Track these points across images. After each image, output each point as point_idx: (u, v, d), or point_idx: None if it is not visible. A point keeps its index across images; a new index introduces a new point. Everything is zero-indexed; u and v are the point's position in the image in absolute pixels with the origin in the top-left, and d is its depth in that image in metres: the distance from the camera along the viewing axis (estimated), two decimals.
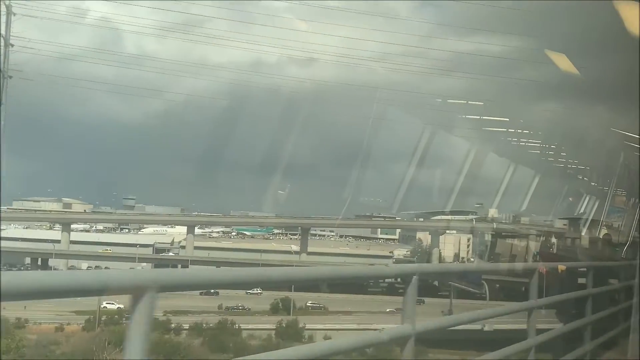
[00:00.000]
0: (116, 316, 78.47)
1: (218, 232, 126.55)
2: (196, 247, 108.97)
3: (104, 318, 79.04)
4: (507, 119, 47.82)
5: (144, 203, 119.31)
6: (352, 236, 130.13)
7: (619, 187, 44.59)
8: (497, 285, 73.88)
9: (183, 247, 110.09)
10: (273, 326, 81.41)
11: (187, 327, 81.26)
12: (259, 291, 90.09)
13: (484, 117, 48.17)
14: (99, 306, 77.33)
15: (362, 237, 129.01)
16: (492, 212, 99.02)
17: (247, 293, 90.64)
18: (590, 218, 51.83)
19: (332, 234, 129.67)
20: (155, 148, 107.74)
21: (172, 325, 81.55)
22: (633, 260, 22.95)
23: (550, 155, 51.23)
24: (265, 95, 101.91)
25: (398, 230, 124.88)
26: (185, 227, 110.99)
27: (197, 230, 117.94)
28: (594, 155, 45.29)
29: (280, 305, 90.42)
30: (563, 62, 26.43)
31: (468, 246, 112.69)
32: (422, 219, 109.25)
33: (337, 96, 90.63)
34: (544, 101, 55.18)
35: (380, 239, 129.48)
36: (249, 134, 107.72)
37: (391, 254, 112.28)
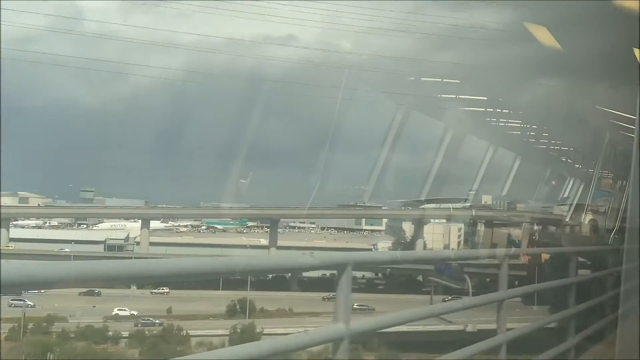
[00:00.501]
0: (44, 324, 68.66)
1: (186, 226, 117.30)
2: (154, 243, 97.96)
3: (30, 326, 70.46)
4: (486, 98, 46.66)
5: (104, 195, 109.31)
6: (335, 228, 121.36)
7: (605, 169, 43.63)
8: (488, 280, 66.49)
9: (138, 244, 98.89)
10: (227, 331, 73.46)
11: (127, 335, 72.99)
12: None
13: (460, 96, 47.40)
14: (24, 314, 70.32)
15: (345, 229, 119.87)
16: (486, 199, 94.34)
17: None
18: (575, 203, 51.26)
19: (313, 225, 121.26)
20: (119, 135, 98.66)
21: (110, 332, 71.06)
22: (620, 246, 19.38)
23: (532, 137, 50.76)
24: (239, 77, 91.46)
25: (385, 221, 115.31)
26: (149, 222, 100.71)
27: (161, 225, 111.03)
28: (578, 135, 44.64)
29: (237, 307, 79.52)
30: (544, 36, 24.88)
31: (459, 236, 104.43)
32: (409, 208, 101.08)
33: (318, 77, 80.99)
34: (529, 79, 50.18)
35: (365, 230, 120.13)
36: (222, 119, 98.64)
37: (373, 247, 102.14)
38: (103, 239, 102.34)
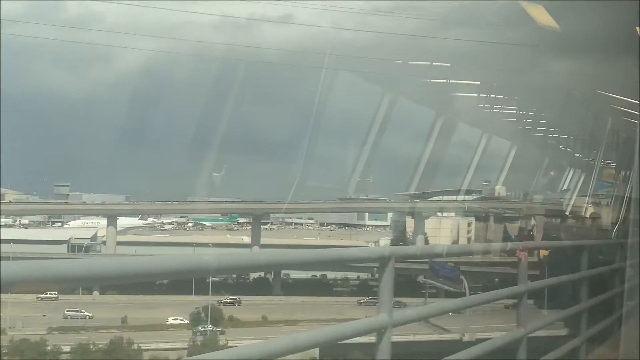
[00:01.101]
0: None
1: (172, 223, 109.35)
2: (123, 242, 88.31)
3: None
4: (479, 82, 45.69)
5: (82, 190, 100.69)
6: (335, 223, 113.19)
7: (607, 157, 42.18)
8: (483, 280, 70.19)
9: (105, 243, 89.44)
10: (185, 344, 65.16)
11: (69, 350, 63.80)
12: None
13: (451, 81, 46.40)
14: None
15: (347, 225, 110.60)
16: (500, 190, 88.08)
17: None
18: (575, 194, 49.43)
19: (311, 221, 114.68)
20: (102, 125, 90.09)
21: (48, 347, 61.88)
22: (623, 240, 17.99)
23: (528, 124, 49.33)
24: (234, 61, 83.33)
25: (390, 215, 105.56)
26: (115, 219, 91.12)
27: (139, 222, 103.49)
28: (579, 122, 42.99)
29: (202, 314, 70.01)
30: (541, 15, 23.71)
31: (469, 232, 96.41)
32: (416, 201, 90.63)
33: (318, 60, 73.57)
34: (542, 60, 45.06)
35: (368, 226, 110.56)
36: (215, 108, 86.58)
37: (374, 244, 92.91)
38: (67, 239, 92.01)
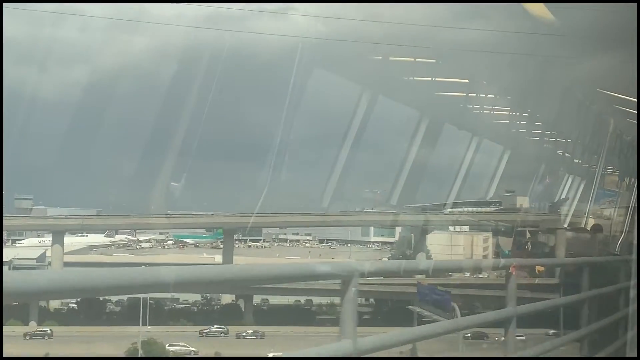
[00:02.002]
0: None
1: (149, 241, 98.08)
2: (76, 263, 75.57)
3: None
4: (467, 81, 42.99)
5: (48, 204, 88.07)
6: (337, 240, 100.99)
7: (610, 164, 42.31)
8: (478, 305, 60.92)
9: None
10: None
11: None
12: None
13: (436, 79, 44.03)
14: None
15: (349, 241, 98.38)
16: (523, 202, 79.36)
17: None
18: (575, 204, 50.08)
19: (308, 237, 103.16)
20: (76, 130, 78.93)
21: None
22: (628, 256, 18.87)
23: (522, 126, 48.63)
24: (226, 58, 74.06)
25: (398, 230, 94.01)
26: (62, 236, 79.44)
27: (104, 239, 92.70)
28: (578, 124, 42.22)
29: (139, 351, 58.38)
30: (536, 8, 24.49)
31: (485, 248, 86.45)
32: (428, 213, 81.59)
33: (319, 56, 63.94)
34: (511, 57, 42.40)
35: (373, 242, 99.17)
36: (202, 110, 78.67)
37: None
38: (8, 259, 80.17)
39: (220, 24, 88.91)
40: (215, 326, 69.01)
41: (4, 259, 79.73)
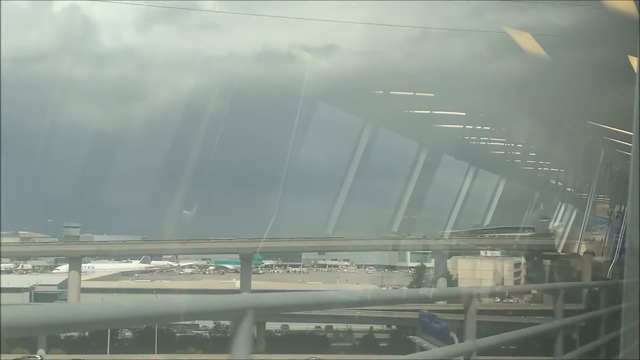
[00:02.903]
0: None
1: (192, 267, 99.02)
2: (89, 290, 75.79)
3: None
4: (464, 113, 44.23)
5: (99, 232, 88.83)
6: (374, 265, 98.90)
7: (600, 192, 43.36)
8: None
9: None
10: None
11: None
12: None
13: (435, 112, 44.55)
14: None
15: (387, 267, 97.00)
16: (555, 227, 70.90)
17: None
18: (567, 231, 49.98)
19: (346, 263, 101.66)
20: (134, 163, 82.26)
21: None
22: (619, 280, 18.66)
23: (517, 157, 49.11)
24: (274, 93, 75.75)
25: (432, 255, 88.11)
26: (79, 262, 79.32)
27: (139, 266, 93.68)
28: (571, 153, 43.52)
29: None
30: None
31: (517, 274, 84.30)
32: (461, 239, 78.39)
33: (364, 89, 63.11)
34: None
35: (410, 268, 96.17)
36: (253, 141, 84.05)
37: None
38: (28, 286, 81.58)
39: (268, 61, 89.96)
40: None
41: (27, 285, 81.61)
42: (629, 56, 18.03)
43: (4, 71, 73.53)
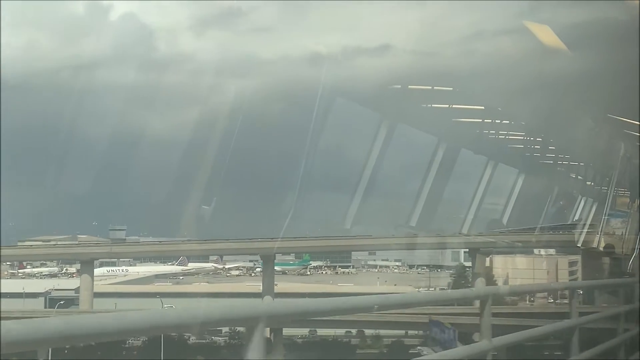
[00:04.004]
0: None
1: (240, 269, 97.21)
2: (103, 294, 74.36)
3: None
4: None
5: (147, 234, 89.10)
6: (427, 265, 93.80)
7: (620, 185, 39.59)
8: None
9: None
10: None
11: None
12: None
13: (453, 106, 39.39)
14: None
15: (439, 267, 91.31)
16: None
17: None
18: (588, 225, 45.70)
19: (397, 263, 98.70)
20: (189, 167, 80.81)
21: None
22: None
23: (536, 150, 43.98)
24: (329, 95, 72.35)
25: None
26: (92, 265, 75.19)
27: (174, 268, 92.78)
28: (589, 147, 39.37)
29: None
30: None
31: (572, 272, 78.90)
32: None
33: (420, 90, 60.18)
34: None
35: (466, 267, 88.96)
36: (308, 143, 77.90)
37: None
38: (42, 291, 79.79)
39: (321, 63, 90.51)
40: None
41: (42, 290, 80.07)
42: None
43: (63, 79, 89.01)
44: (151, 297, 75.29)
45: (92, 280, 73.47)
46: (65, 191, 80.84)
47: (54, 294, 78.71)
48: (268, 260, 73.87)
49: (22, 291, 74.66)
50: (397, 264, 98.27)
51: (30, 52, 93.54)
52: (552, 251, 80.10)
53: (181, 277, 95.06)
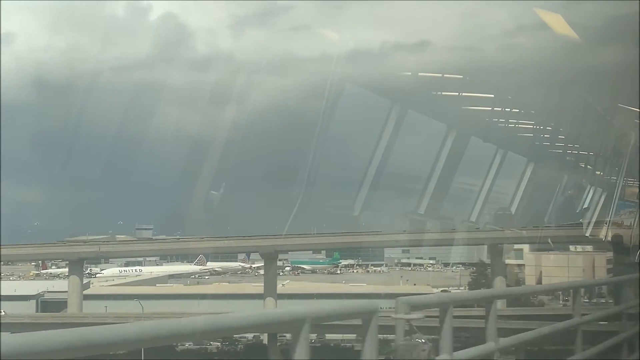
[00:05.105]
0: None
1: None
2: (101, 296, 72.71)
3: None
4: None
5: (180, 233, 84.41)
6: (462, 263, 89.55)
7: (630, 175, 35.45)
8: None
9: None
10: None
11: None
12: None
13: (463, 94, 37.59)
14: None
15: (475, 264, 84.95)
16: None
17: None
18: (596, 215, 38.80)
19: (431, 261, 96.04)
20: (227, 166, 79.95)
21: None
22: None
23: (545, 139, 40.96)
24: (368, 91, 69.93)
25: (526, 251, 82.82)
26: (81, 266, 72.53)
27: (192, 268, 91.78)
28: (600, 137, 37.05)
29: None
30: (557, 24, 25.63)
31: (610, 269, 70.03)
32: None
33: (459, 85, 56.89)
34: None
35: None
36: (346, 140, 77.20)
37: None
38: (34, 293, 76.67)
39: (360, 60, 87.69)
40: None
41: (34, 292, 77.91)
42: None
43: (106, 79, 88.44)
44: (152, 300, 72.43)
45: (82, 282, 70.30)
46: (105, 189, 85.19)
47: (47, 296, 76.09)
48: (269, 259, 70.43)
49: (13, 293, 71.44)
50: (431, 262, 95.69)
51: (72, 53, 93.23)
52: (589, 248, 75.36)
53: (207, 277, 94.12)
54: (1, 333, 3.32)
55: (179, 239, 75.93)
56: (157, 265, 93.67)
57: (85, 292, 73.29)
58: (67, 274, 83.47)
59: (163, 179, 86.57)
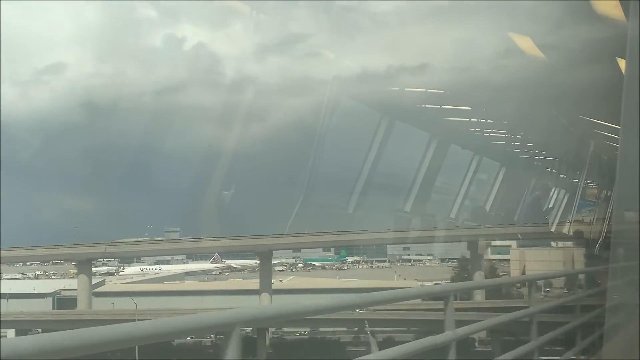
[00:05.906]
0: None
1: (284, 265, 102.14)
2: (112, 293, 75.76)
3: None
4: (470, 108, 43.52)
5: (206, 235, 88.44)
6: (458, 259, 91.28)
7: (590, 178, 42.12)
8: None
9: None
10: None
11: None
12: None
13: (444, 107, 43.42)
14: None
15: (467, 260, 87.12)
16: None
17: None
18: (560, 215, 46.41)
19: (429, 257, 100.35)
20: (256, 176, 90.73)
21: None
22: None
23: (517, 147, 47.47)
24: (374, 109, 74.79)
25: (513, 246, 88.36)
26: (89, 265, 75.49)
27: (208, 266, 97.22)
28: (564, 145, 42.45)
29: None
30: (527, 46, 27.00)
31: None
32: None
33: (455, 102, 63.38)
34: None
35: (492, 260, 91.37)
36: (352, 151, 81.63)
37: None
38: (50, 291, 79.71)
39: (368, 81, 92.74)
40: None
41: (51, 290, 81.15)
42: None
43: (147, 103, 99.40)
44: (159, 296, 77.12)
45: (90, 281, 73.87)
46: (141, 197, 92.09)
47: (64, 294, 79.25)
48: (264, 257, 74.20)
49: (32, 291, 75.64)
50: (429, 257, 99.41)
51: (117, 79, 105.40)
52: (569, 243, 74.21)
53: (227, 274, 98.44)
54: (1, 333, 4.74)
55: (201, 239, 79.75)
56: (184, 263, 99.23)
57: (99, 289, 77.63)
58: (112, 271, 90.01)
59: (192, 186, 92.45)
